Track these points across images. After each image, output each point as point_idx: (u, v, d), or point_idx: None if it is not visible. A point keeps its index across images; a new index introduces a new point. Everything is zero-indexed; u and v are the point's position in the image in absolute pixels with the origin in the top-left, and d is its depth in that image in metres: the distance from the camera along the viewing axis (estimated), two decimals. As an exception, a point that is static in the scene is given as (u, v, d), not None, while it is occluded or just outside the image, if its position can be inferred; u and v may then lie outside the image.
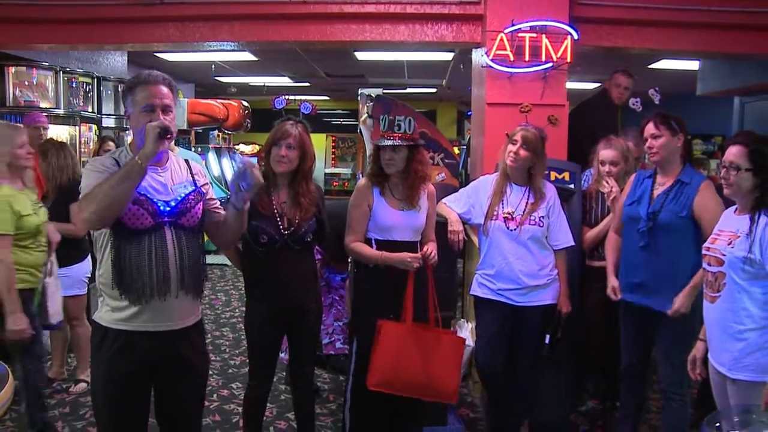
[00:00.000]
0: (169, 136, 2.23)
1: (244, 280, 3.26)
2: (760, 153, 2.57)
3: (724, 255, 2.58)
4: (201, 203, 2.45)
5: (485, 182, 3.49)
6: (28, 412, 3.58)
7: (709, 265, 2.67)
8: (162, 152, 2.33)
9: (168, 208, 2.34)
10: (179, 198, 2.38)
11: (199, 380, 2.55)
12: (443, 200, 3.54)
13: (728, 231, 2.64)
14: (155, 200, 2.33)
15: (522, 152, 3.29)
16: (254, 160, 5.37)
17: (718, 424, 2.31)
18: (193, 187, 2.45)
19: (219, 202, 2.58)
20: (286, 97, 3.42)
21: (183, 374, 2.44)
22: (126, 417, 2.35)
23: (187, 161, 2.55)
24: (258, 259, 3.06)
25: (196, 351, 2.48)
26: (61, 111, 6.28)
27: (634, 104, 3.69)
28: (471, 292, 3.50)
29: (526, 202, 3.33)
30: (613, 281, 3.36)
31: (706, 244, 2.74)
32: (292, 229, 3.04)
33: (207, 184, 2.54)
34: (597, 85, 8.70)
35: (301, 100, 3.94)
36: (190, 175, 2.49)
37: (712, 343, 2.68)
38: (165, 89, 2.33)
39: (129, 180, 2.17)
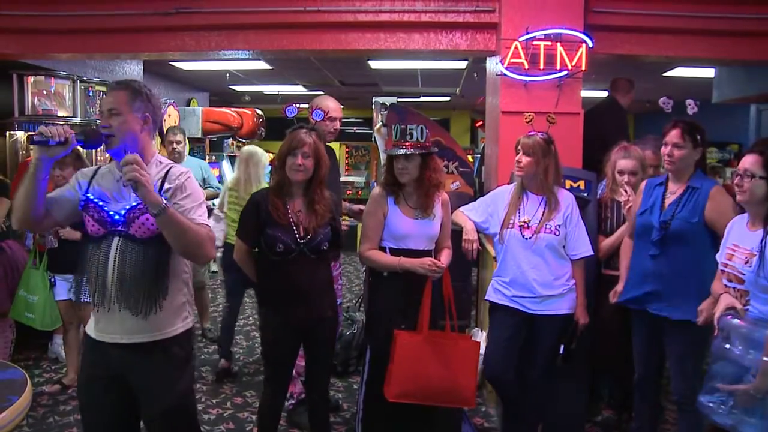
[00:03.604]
0: (37, 142, 2.16)
1: (258, 289, 3.25)
2: None
3: (743, 274, 2.57)
4: None
5: (503, 192, 3.49)
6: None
7: (729, 281, 2.64)
8: (119, 157, 2.27)
9: (119, 217, 2.32)
10: (128, 207, 2.32)
11: (156, 404, 2.39)
12: (460, 209, 3.54)
13: (744, 248, 2.62)
14: (105, 208, 2.32)
15: (524, 159, 3.30)
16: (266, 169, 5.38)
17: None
18: None
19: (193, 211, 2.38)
20: (297, 105, 3.43)
21: (141, 391, 2.40)
22: (92, 417, 2.45)
23: (169, 169, 2.43)
24: (273, 268, 3.06)
25: (154, 376, 2.39)
26: (77, 119, 6.34)
27: (664, 104, 3.63)
28: (486, 298, 3.49)
29: (543, 211, 3.32)
30: (619, 287, 3.40)
31: (722, 260, 2.71)
32: (309, 237, 3.03)
33: (172, 188, 2.37)
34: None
35: (310, 108, 3.94)
36: (160, 182, 2.37)
37: None
38: (119, 93, 2.35)
39: (23, 186, 2.26)
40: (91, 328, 2.43)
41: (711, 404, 2.54)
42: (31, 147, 2.21)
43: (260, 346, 5.52)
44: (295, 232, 3.03)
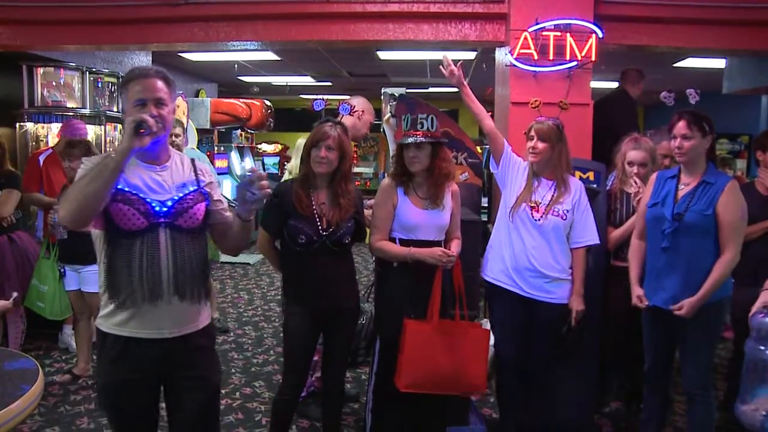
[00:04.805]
0: (144, 130, 2.05)
1: (282, 281, 3.26)
2: None
3: None
4: (202, 204, 2.34)
5: (523, 167, 3.44)
6: None
7: None
8: (154, 149, 2.25)
9: (165, 209, 2.23)
10: (176, 198, 2.27)
11: (208, 390, 2.41)
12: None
13: None
14: (149, 200, 2.22)
15: (539, 144, 3.29)
16: (274, 160, 5.37)
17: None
18: (195, 187, 2.34)
19: (227, 204, 2.47)
20: (325, 98, 3.44)
21: (189, 384, 2.35)
22: (129, 421, 2.33)
23: (192, 160, 2.44)
24: (296, 259, 3.06)
25: (201, 360, 2.37)
26: (87, 111, 6.37)
27: (665, 98, 3.62)
28: (483, 275, 3.47)
29: (553, 195, 3.31)
30: (637, 290, 3.29)
31: None
32: (331, 229, 3.03)
33: (212, 183, 2.43)
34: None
35: (339, 100, 3.94)
36: (193, 174, 2.38)
37: None
38: (159, 83, 2.22)
39: (101, 178, 2.03)
40: (118, 326, 2.23)
41: (751, 412, 2.47)
42: (133, 137, 2.03)
43: (270, 337, 5.59)
44: (318, 224, 3.03)
